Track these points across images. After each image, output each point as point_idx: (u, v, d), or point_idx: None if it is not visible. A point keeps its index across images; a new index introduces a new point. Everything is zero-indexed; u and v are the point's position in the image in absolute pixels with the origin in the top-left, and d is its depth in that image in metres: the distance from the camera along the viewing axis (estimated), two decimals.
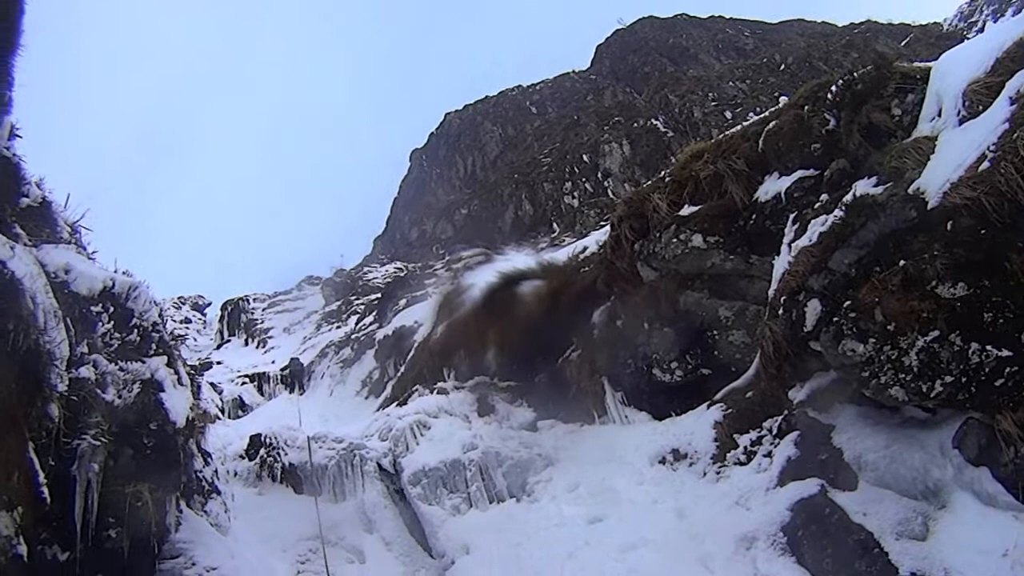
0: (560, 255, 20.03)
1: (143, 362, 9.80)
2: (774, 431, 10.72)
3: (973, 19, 57.07)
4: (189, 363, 27.53)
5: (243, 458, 13.66)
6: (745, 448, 11.02)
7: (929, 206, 8.37)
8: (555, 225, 46.36)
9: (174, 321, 49.25)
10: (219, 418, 21.86)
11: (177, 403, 9.98)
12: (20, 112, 8.97)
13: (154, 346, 10.27)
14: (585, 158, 50.59)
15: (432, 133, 75.22)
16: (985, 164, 7.84)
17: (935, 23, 62.06)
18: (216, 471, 12.19)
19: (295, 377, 29.76)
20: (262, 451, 13.57)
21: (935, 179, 8.51)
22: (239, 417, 25.88)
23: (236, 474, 13.27)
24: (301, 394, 28.48)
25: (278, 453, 13.52)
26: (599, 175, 49.32)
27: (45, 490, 7.28)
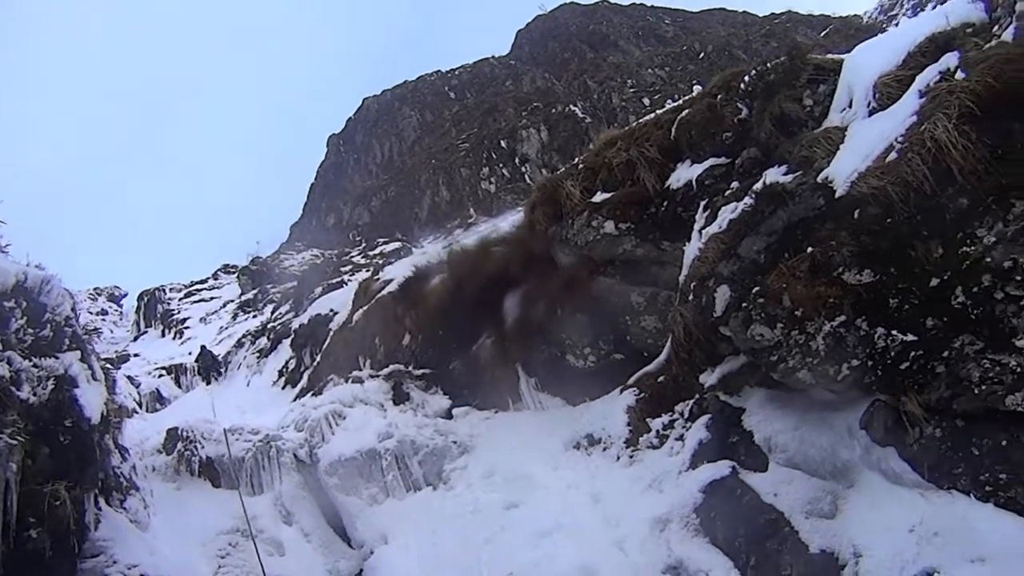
0: (471, 239, 20.02)
1: (56, 358, 9.48)
2: (686, 415, 10.86)
3: (893, 13, 58.61)
4: (105, 356, 26.99)
5: (161, 452, 13.31)
6: (658, 432, 11.15)
7: (837, 195, 8.51)
8: (472, 211, 46.27)
9: (89, 313, 48.00)
10: (136, 412, 21.30)
11: (92, 399, 9.71)
12: None
13: (67, 341, 9.92)
14: (503, 144, 50.62)
15: (350, 118, 74.50)
16: (893, 155, 7.99)
17: (855, 15, 63.65)
18: (134, 467, 11.88)
19: (207, 368, 29.21)
20: (179, 445, 13.23)
21: (843, 168, 8.66)
22: (157, 410, 25.36)
23: (154, 469, 12.91)
24: (209, 384, 27.98)
25: (195, 446, 13.20)
26: (516, 161, 49.41)
27: None
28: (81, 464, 9.21)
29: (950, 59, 8.39)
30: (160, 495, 12.09)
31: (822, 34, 53.04)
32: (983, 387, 6.90)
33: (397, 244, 40.81)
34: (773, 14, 65.72)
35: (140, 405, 25.23)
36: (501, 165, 49.75)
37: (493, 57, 72.94)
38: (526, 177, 47.15)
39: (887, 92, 9.06)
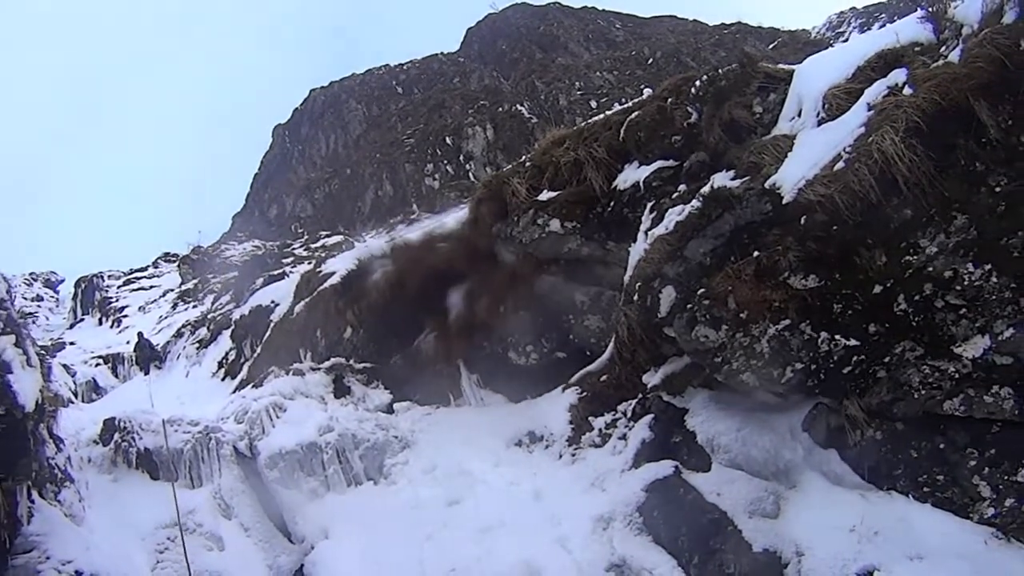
0: (414, 233, 19.92)
1: None
2: (629, 414, 10.94)
3: (840, 29, 59.68)
4: (41, 343, 26.33)
5: (97, 443, 12.91)
6: (600, 431, 11.22)
7: (784, 201, 8.68)
8: (415, 206, 46.11)
9: (24, 299, 46.99)
10: (72, 401, 20.78)
11: (26, 386, 9.18)
12: None
13: (1, 324, 9.58)
14: (448, 140, 50.51)
15: (296, 109, 73.72)
16: (840, 164, 8.19)
17: (804, 30, 64.51)
18: (69, 458, 11.47)
19: (145, 357, 28.57)
20: (116, 436, 12.88)
21: (791, 176, 8.83)
22: (93, 400, 24.79)
23: (90, 460, 12.54)
24: (147, 374, 27.44)
25: (133, 438, 12.86)
26: (461, 158, 49.35)
27: None
28: (14, 454, 8.78)
29: (898, 75, 8.63)
30: (96, 487, 11.77)
31: (770, 46, 53.77)
32: (922, 392, 7.15)
33: (339, 238, 40.46)
34: (723, 24, 66.43)
35: (76, 395, 24.65)
36: (446, 162, 49.66)
37: (442, 54, 72.74)
38: (470, 175, 47.13)
39: (836, 103, 9.26)
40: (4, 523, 8.42)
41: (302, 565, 11.32)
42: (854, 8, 63.89)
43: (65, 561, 9.02)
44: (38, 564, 8.81)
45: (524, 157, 16.74)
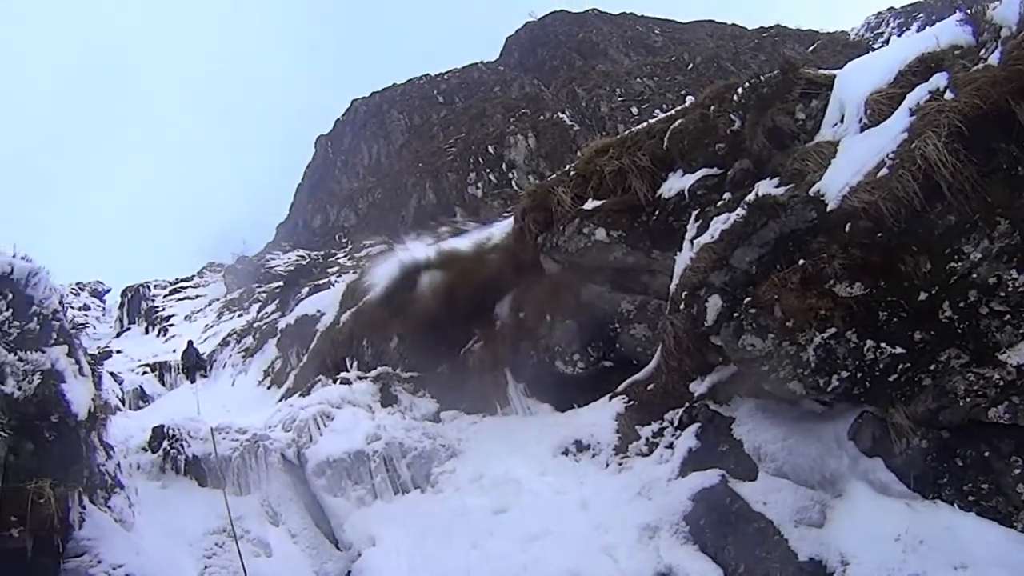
0: (463, 243, 20.03)
1: (43, 352, 9.35)
2: (675, 423, 10.93)
3: (879, 30, 58.97)
4: (89, 352, 26.78)
5: (146, 451, 13.21)
6: (647, 439, 11.23)
7: (829, 208, 8.66)
8: (459, 214, 46.23)
9: (73, 308, 47.61)
10: (120, 409, 21.22)
11: (78, 394, 9.57)
12: None
13: (54, 335, 9.78)
14: (490, 149, 50.50)
15: (338, 119, 74.16)
16: (884, 171, 8.15)
17: (842, 32, 63.80)
18: (119, 464, 11.73)
19: (192, 365, 29.01)
20: (165, 443, 13.16)
21: (835, 182, 8.82)
22: (140, 408, 25.27)
23: (139, 467, 12.83)
24: (194, 382, 27.83)
25: (181, 445, 13.13)
26: (504, 166, 49.32)
27: None
28: (66, 461, 9.07)
29: (939, 79, 8.57)
30: (145, 494, 12.01)
31: (810, 49, 53.26)
32: (967, 399, 7.09)
33: (383, 245, 40.79)
34: (762, 28, 65.79)
35: (123, 402, 25.14)
36: (488, 170, 49.64)
37: (482, 63, 72.79)
38: (513, 183, 47.06)
39: (878, 109, 9.24)
40: (57, 528, 8.58)
41: (349, 572, 11.49)
42: (892, 8, 63.05)
43: (116, 565, 9.23)
44: (89, 568, 9.04)
45: (568, 166, 16.81)
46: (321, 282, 30.89)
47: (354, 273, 26.87)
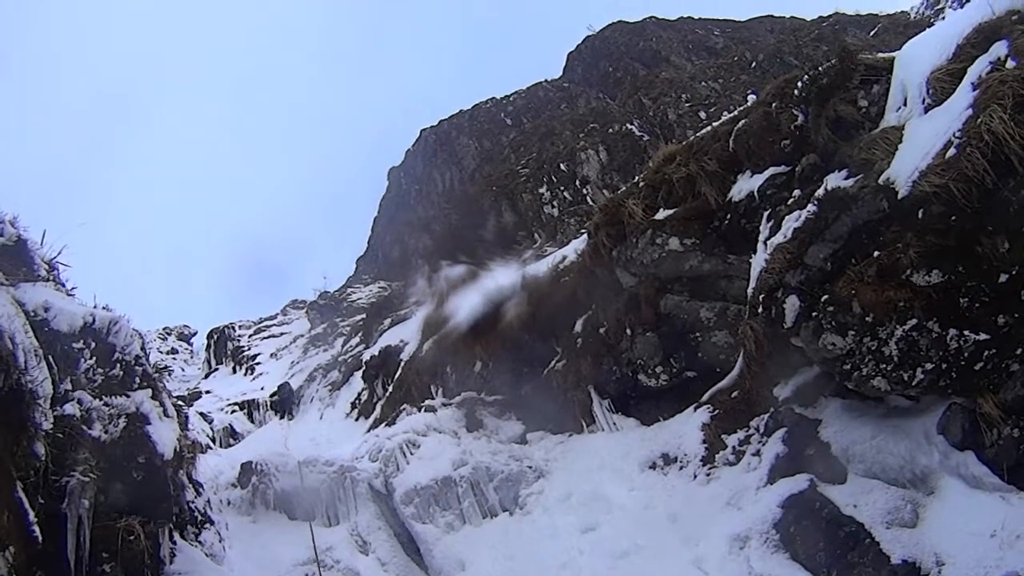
0: (541, 267, 20.05)
1: (128, 396, 9.79)
2: (761, 429, 10.75)
3: (940, 6, 57.37)
4: (178, 394, 27.49)
5: (235, 486, 13.55)
6: (734, 448, 11.06)
7: (899, 196, 8.41)
8: (536, 236, 46.31)
9: (160, 352, 48.86)
10: (210, 447, 21.62)
11: (164, 435, 9.95)
12: None
13: (138, 379, 10.25)
14: (562, 166, 50.39)
15: (408, 150, 75.01)
16: (952, 151, 7.89)
17: (902, 12, 62.21)
18: (208, 501, 12.12)
19: (285, 403, 29.54)
20: (253, 478, 13.46)
21: (904, 168, 8.56)
22: (231, 445, 25.68)
23: (229, 503, 13.16)
24: (291, 419, 28.31)
25: (270, 479, 13.42)
26: (577, 183, 49.17)
27: (36, 529, 7.21)
28: (155, 499, 9.46)
29: (1000, 48, 8.27)
30: (235, 528, 12.33)
31: (871, 33, 52.04)
32: None
33: (462, 268, 40.98)
34: (821, 17, 64.45)
35: (214, 440, 25.60)
36: (562, 188, 49.51)
37: (546, 81, 72.83)
38: (588, 199, 46.89)
39: (940, 87, 8.94)
40: (148, 564, 8.94)
41: None
42: None
43: None
44: None
45: (637, 177, 16.74)
46: (402, 312, 31.06)
47: (435, 302, 27.00)
